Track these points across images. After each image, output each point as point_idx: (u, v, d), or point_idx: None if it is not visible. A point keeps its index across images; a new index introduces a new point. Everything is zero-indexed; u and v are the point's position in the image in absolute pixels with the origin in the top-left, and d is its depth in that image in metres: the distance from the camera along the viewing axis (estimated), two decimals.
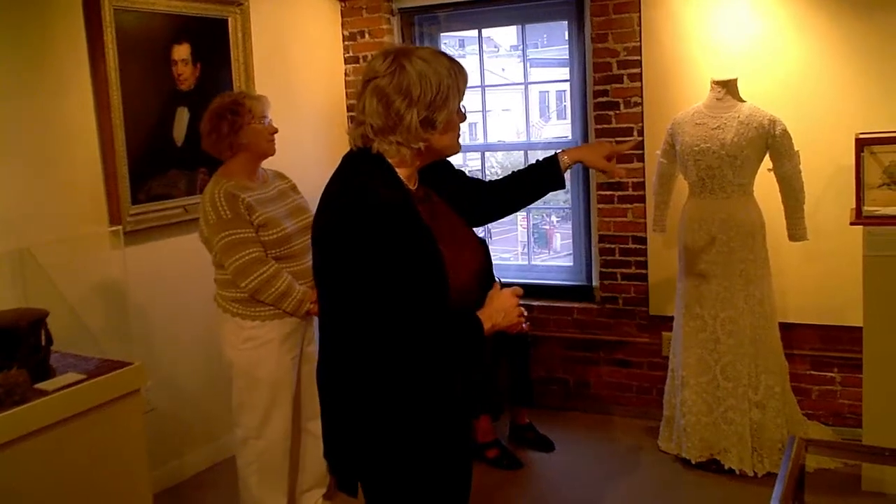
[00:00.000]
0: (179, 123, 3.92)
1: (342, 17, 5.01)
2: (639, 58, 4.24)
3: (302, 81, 4.73)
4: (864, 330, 3.49)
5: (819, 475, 3.63)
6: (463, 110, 1.96)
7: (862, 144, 3.49)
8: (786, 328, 3.94)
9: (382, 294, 1.79)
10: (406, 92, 1.84)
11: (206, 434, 4.08)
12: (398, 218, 1.81)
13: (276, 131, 3.14)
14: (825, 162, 3.84)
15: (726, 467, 3.75)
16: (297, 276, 3.09)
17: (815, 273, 3.97)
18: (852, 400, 3.97)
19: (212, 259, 3.10)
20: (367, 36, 4.95)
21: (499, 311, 1.90)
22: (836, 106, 3.85)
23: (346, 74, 5.03)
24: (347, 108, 5.02)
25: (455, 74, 1.89)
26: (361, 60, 4.95)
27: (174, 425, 3.91)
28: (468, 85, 1.96)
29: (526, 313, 1.99)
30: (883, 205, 3.49)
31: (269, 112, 3.15)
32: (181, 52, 3.93)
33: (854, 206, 3.54)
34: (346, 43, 5.02)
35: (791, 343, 4.01)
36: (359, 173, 1.89)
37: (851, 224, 3.50)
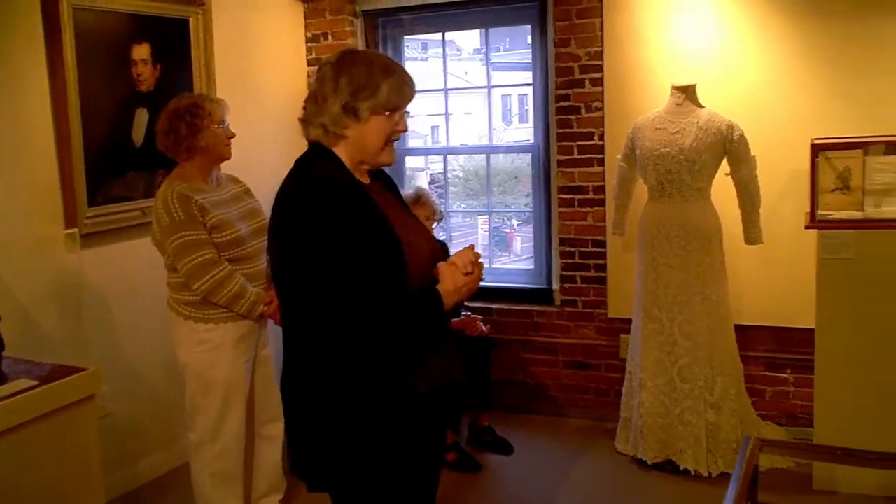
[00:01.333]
0: (138, 124, 3.86)
1: (305, 18, 4.98)
2: (600, 63, 4.28)
3: (264, 83, 4.68)
4: (817, 331, 3.55)
5: (772, 474, 3.68)
6: (404, 120, 1.98)
7: (817, 150, 3.56)
8: (741, 330, 3.99)
9: (346, 279, 1.80)
10: (335, 77, 1.92)
11: (164, 439, 4.02)
12: (356, 204, 1.86)
13: (233, 136, 3.11)
14: (781, 167, 3.90)
15: (682, 468, 3.79)
16: (251, 278, 3.06)
17: (771, 276, 4.03)
18: (805, 400, 4.03)
19: (164, 262, 3.06)
20: (330, 38, 4.92)
21: (454, 292, 1.92)
22: (793, 112, 3.92)
23: (308, 76, 5.00)
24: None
25: (393, 75, 1.93)
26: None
27: (131, 430, 3.85)
28: (414, 91, 1.98)
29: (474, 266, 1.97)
30: (836, 209, 3.56)
31: (228, 116, 3.12)
32: (141, 52, 3.87)
33: (809, 210, 3.60)
34: (308, 45, 4.99)
35: (746, 345, 4.07)
36: (312, 167, 1.94)
37: (806, 228, 3.57)
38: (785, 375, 4.15)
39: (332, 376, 1.89)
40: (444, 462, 3.92)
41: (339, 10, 4.87)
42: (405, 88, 1.97)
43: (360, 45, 4.89)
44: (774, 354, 4.15)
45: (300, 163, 1.99)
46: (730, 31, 4.01)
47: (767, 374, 4.18)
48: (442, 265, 1.95)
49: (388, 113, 1.95)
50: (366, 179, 2.02)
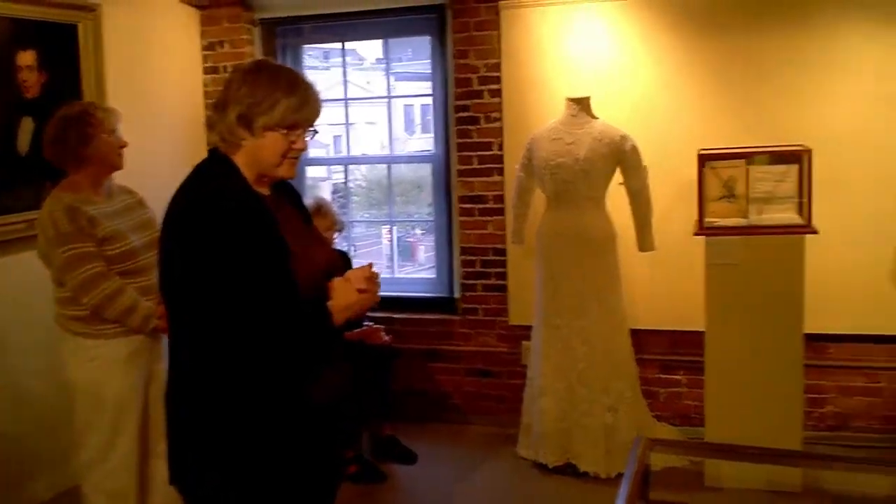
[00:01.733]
0: (24, 133, 3.71)
1: (201, 25, 4.89)
2: (498, 74, 4.36)
3: (158, 91, 4.57)
4: (706, 334, 3.70)
5: (666, 473, 3.79)
6: (303, 138, 1.95)
7: (703, 160, 3.71)
8: (636, 334, 4.13)
9: (230, 292, 1.78)
10: (239, 86, 1.91)
11: (54, 460, 3.85)
12: (245, 217, 1.83)
13: (125, 145, 3.02)
14: (671, 176, 4.06)
15: (581, 470, 3.88)
16: (143, 291, 2.97)
17: (663, 281, 4.19)
18: (697, 401, 4.19)
19: (51, 276, 2.94)
20: (226, 46, 4.84)
21: (345, 308, 1.91)
22: (682, 124, 4.10)
23: (204, 85, 4.90)
24: (206, 119, 4.88)
25: (295, 93, 1.91)
26: (221, 71, 4.84)
27: (18, 452, 3.68)
28: (316, 112, 1.96)
29: (371, 283, 1.97)
30: (722, 216, 3.72)
31: (120, 125, 3.03)
32: (26, 58, 3.72)
33: (697, 217, 3.76)
34: (204, 52, 4.90)
35: (641, 348, 4.21)
36: (206, 177, 1.92)
37: (695, 235, 3.71)
38: (678, 377, 4.31)
39: (217, 389, 1.86)
40: (344, 476, 3.92)
41: (236, 17, 4.80)
42: (306, 108, 1.93)
43: (258, 53, 4.84)
44: (668, 357, 4.31)
45: (196, 170, 1.96)
46: (623, 46, 4.16)
47: (661, 376, 4.33)
48: (336, 281, 1.94)
49: (285, 130, 1.91)
50: (265, 190, 2.00)
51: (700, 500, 3.64)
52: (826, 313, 3.95)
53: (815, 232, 3.54)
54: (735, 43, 4.01)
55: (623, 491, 2.12)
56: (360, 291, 1.92)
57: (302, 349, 1.89)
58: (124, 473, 3.06)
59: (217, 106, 1.95)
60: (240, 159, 1.94)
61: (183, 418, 1.94)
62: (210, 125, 1.97)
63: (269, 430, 1.88)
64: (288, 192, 2.13)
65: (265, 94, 1.89)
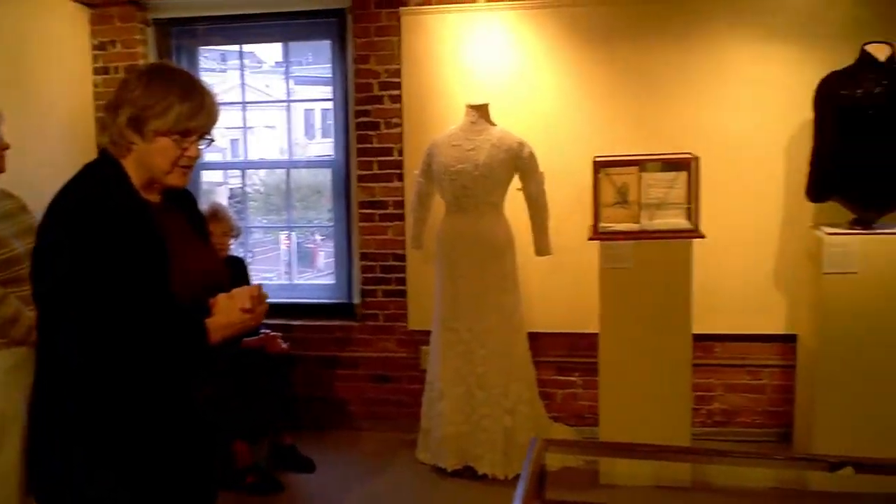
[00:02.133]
0: None
1: (91, 24, 4.71)
2: (399, 80, 4.37)
3: (44, 91, 4.37)
4: (600, 335, 3.80)
5: (563, 473, 3.86)
6: (196, 146, 1.90)
7: (598, 167, 3.82)
8: (534, 337, 4.20)
9: (97, 303, 1.74)
10: (131, 89, 1.86)
11: None
12: (120, 221, 1.79)
13: (8, 147, 2.88)
14: (567, 182, 4.16)
15: (480, 473, 3.92)
16: (27, 301, 2.83)
17: (560, 285, 4.28)
18: (592, 401, 4.30)
19: None
20: (118, 46, 4.68)
21: (225, 326, 1.88)
22: (578, 131, 4.21)
23: (95, 85, 4.72)
24: (97, 120, 4.71)
25: (189, 99, 1.86)
26: (113, 71, 4.66)
27: None
28: (212, 120, 1.92)
29: (255, 304, 1.93)
30: (616, 221, 3.84)
31: (4, 126, 2.88)
32: None
33: (592, 222, 3.86)
34: (95, 52, 4.72)
35: (538, 351, 4.28)
36: (89, 179, 1.87)
37: (590, 239, 3.81)
38: (574, 378, 4.41)
39: (84, 401, 1.81)
40: (243, 485, 3.85)
41: (128, 17, 4.65)
42: (200, 115, 1.88)
43: (152, 54, 4.70)
44: (564, 359, 4.40)
45: (82, 171, 1.90)
46: (522, 54, 4.24)
47: (558, 377, 4.43)
48: (221, 297, 1.89)
49: (177, 136, 1.86)
50: (155, 197, 1.94)
51: (595, 497, 3.73)
52: (713, 314, 4.12)
53: (702, 236, 3.70)
54: (629, 55, 4.15)
55: (519, 492, 2.14)
56: (245, 311, 1.87)
57: (170, 361, 1.84)
58: (6, 488, 2.91)
59: (109, 107, 1.89)
60: (129, 163, 1.89)
61: (44, 431, 1.87)
62: (102, 126, 1.91)
63: (143, 433, 1.84)
64: (183, 199, 2.07)
65: (159, 97, 1.84)
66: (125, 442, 1.84)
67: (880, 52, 3.57)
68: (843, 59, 3.69)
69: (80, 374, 1.81)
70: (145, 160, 1.88)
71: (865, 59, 3.60)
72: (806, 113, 3.79)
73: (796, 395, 4.13)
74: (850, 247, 3.59)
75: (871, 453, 3.46)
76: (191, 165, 1.93)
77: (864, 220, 3.67)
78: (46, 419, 1.87)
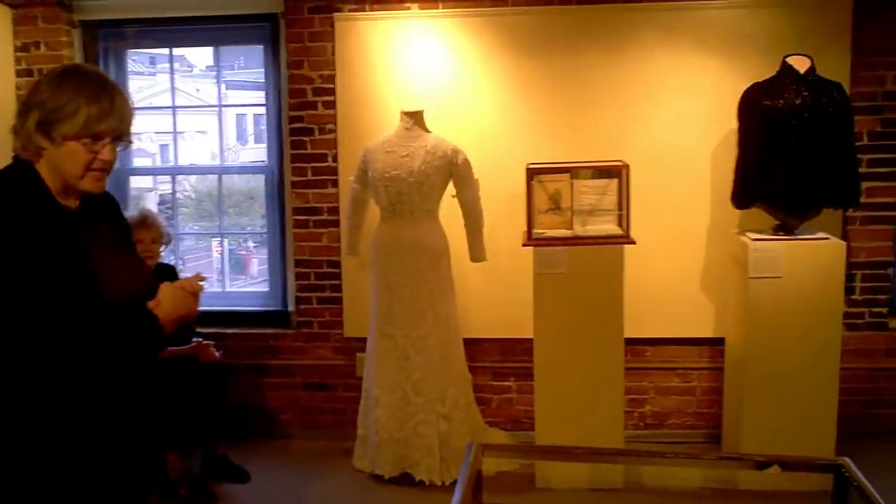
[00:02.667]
0: None
1: (14, 25, 4.57)
2: (333, 86, 4.36)
3: None
4: (535, 341, 3.85)
5: (500, 477, 3.90)
6: (108, 149, 1.87)
7: (532, 174, 3.87)
8: (469, 343, 4.23)
9: (15, 310, 1.73)
10: (41, 92, 1.83)
11: None
12: (32, 234, 1.75)
13: None
14: (501, 189, 4.20)
15: (417, 479, 3.93)
16: None
17: (495, 291, 4.32)
18: (527, 405, 4.34)
19: None
20: (42, 48, 4.55)
21: (174, 316, 1.90)
22: (511, 139, 4.26)
23: (18, 88, 4.58)
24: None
25: (99, 102, 1.83)
26: (36, 74, 4.53)
27: None
28: (124, 123, 1.89)
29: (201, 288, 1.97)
30: (549, 228, 3.90)
31: None
32: None
33: (526, 229, 3.91)
34: (18, 54, 4.57)
35: (474, 356, 4.32)
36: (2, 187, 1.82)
37: (523, 246, 3.86)
38: (509, 383, 4.46)
39: (54, 398, 1.79)
40: (175, 496, 3.78)
41: (53, 18, 4.53)
42: (111, 118, 1.84)
43: (79, 57, 4.59)
44: (500, 364, 4.45)
45: None
46: (457, 61, 4.27)
47: (494, 382, 4.47)
48: (164, 287, 1.90)
49: (87, 140, 1.82)
50: (72, 203, 1.90)
51: (530, 501, 3.78)
52: (644, 319, 4.22)
53: (633, 242, 3.78)
54: (562, 64, 4.22)
55: (457, 496, 2.16)
56: (191, 294, 1.92)
57: (130, 354, 1.85)
58: None
59: (20, 110, 1.85)
60: (42, 168, 1.85)
61: (28, 418, 1.84)
62: (15, 131, 1.87)
63: (107, 429, 1.85)
64: (104, 204, 2.03)
65: (67, 100, 1.80)
66: (93, 439, 1.83)
67: (800, 65, 3.72)
68: (766, 70, 3.84)
69: (48, 372, 1.78)
70: (56, 165, 1.84)
71: (786, 70, 3.74)
72: (731, 122, 3.92)
73: (724, 396, 4.25)
74: (774, 252, 3.72)
75: (796, 452, 3.62)
76: (106, 169, 1.89)
77: (787, 227, 3.81)
78: (14, 419, 1.83)
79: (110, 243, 1.97)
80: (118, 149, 1.90)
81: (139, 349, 1.87)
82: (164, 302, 1.87)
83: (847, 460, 2.16)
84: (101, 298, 1.81)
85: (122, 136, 1.89)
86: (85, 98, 1.81)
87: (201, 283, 1.97)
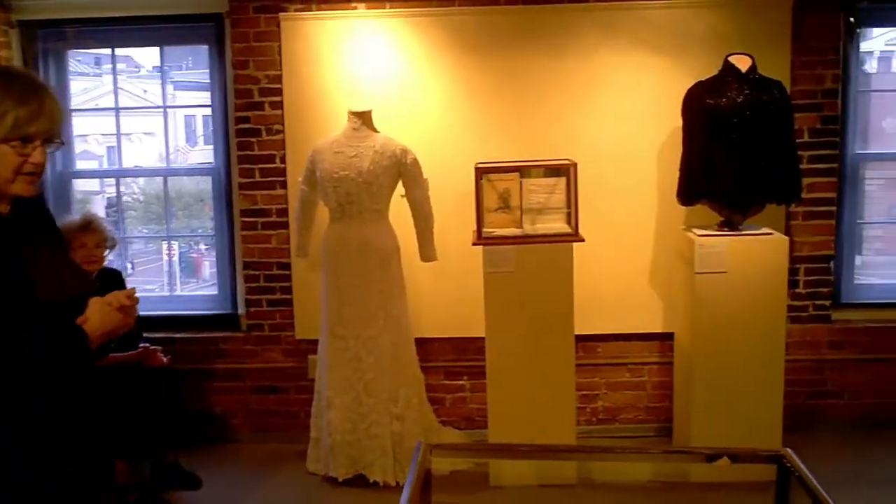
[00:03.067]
0: None
1: None
2: (280, 86, 4.31)
3: None
4: (486, 339, 3.86)
5: (454, 476, 3.92)
6: (39, 151, 1.83)
7: (480, 173, 3.87)
8: (421, 343, 4.23)
9: None
10: None
11: None
12: None
13: None
14: (451, 189, 4.20)
15: (371, 480, 3.91)
16: None
17: (446, 290, 4.32)
18: (480, 404, 4.34)
19: None
20: None
21: (103, 331, 1.86)
22: (460, 138, 4.26)
23: None
24: None
25: (28, 103, 1.79)
26: None
27: None
28: (54, 124, 1.84)
29: (132, 303, 1.93)
30: (499, 226, 3.91)
31: None
32: None
33: (475, 228, 3.91)
34: None
35: (427, 356, 4.32)
36: None
37: (473, 244, 3.86)
38: (462, 382, 4.47)
39: None
40: None
41: None
42: (41, 119, 1.80)
43: (17, 58, 4.48)
44: (452, 363, 4.45)
45: None
46: (405, 61, 4.25)
47: (447, 382, 4.47)
48: (94, 301, 1.87)
49: (16, 143, 1.78)
50: (3, 208, 1.86)
51: (483, 499, 3.78)
52: (594, 315, 4.25)
53: (581, 240, 3.80)
54: (509, 63, 4.23)
55: (404, 497, 2.15)
56: (121, 309, 1.86)
57: (55, 370, 1.80)
58: None
59: None
60: None
61: None
62: None
63: (35, 444, 1.81)
64: (34, 206, 1.98)
65: None
66: (29, 446, 1.79)
67: (742, 63, 3.78)
68: (709, 69, 3.89)
69: None
70: None
71: (728, 69, 3.79)
72: (676, 120, 3.96)
73: (674, 390, 4.30)
74: (720, 247, 3.77)
75: (745, 442, 3.68)
76: (37, 172, 1.85)
77: (732, 223, 3.86)
78: None
79: (45, 246, 1.93)
80: (49, 151, 1.85)
81: (65, 364, 1.82)
82: (92, 318, 1.84)
83: (789, 451, 2.20)
84: (34, 309, 1.76)
85: (52, 138, 1.85)
86: (13, 100, 1.77)
87: (133, 298, 1.92)
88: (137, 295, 1.95)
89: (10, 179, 1.81)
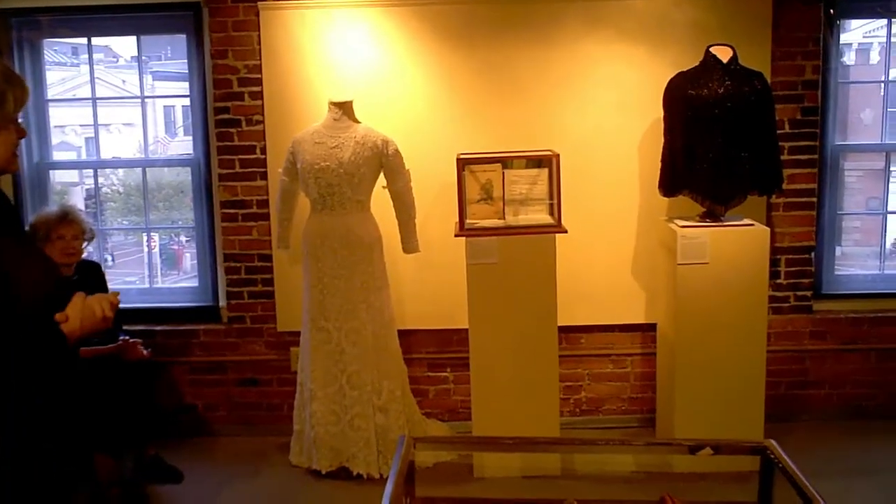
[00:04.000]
0: None
1: None
2: (259, 76, 4.27)
3: None
4: (470, 331, 3.84)
5: (438, 468, 3.91)
6: (20, 124, 1.87)
7: (463, 164, 3.85)
8: (405, 334, 4.21)
9: None
10: None
11: None
12: None
13: None
14: (433, 179, 4.17)
15: (355, 473, 3.90)
16: None
17: (429, 282, 4.30)
18: (464, 396, 4.35)
19: None
20: None
21: (82, 331, 1.84)
22: (443, 128, 4.23)
23: None
24: None
25: (14, 83, 1.81)
26: None
27: None
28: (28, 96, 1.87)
29: (113, 306, 1.91)
30: (481, 218, 3.89)
31: None
32: None
33: (458, 219, 3.89)
34: None
35: (410, 348, 4.30)
36: None
37: (456, 236, 3.84)
38: (445, 374, 4.45)
39: None
40: (105, 499, 3.68)
41: None
42: (26, 96, 1.84)
43: None
44: (435, 355, 4.44)
45: None
46: (387, 51, 4.22)
47: (430, 374, 4.46)
48: (76, 299, 1.85)
49: (12, 123, 1.82)
50: None
51: (468, 491, 3.78)
52: (577, 306, 4.25)
53: (564, 231, 3.79)
54: (492, 53, 4.20)
55: (388, 490, 2.14)
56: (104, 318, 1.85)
57: (34, 372, 1.77)
58: None
59: None
60: None
61: None
62: None
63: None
64: None
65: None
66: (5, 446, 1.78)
67: (723, 54, 3.77)
68: (690, 60, 3.88)
69: None
70: None
71: (710, 60, 3.78)
72: (657, 111, 3.95)
73: (657, 381, 4.31)
74: (702, 238, 3.77)
75: (727, 433, 3.70)
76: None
77: (714, 213, 3.86)
78: None
79: (14, 243, 1.90)
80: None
81: (43, 364, 1.79)
82: (73, 318, 1.82)
83: (772, 442, 2.20)
84: (12, 306, 1.73)
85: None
86: (5, 83, 1.79)
87: (115, 306, 1.91)
88: (118, 288, 1.94)
89: (10, 159, 1.84)
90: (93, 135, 4.78)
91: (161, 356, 4.27)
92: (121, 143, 5.91)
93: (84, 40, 4.68)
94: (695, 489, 3.63)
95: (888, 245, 4.70)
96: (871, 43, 4.98)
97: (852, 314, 4.42)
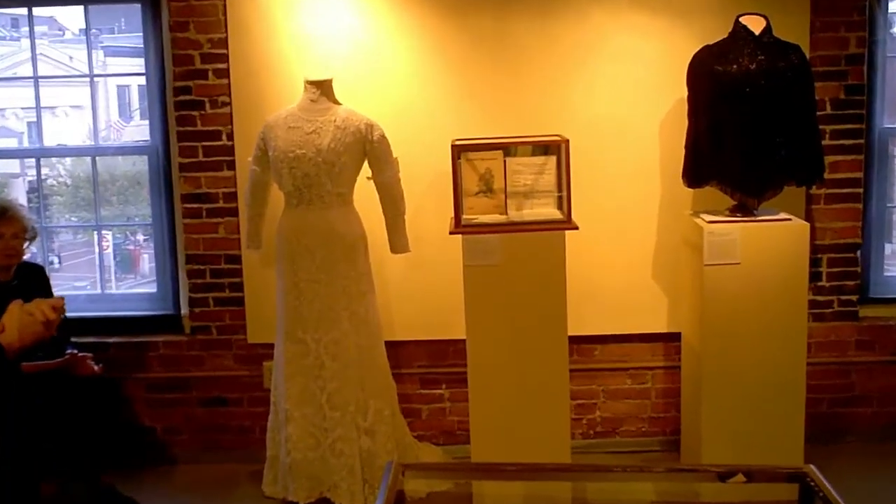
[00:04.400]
0: None
1: None
2: (225, 51, 4.28)
3: None
4: (468, 342, 3.84)
5: (432, 499, 3.89)
6: None
7: (458, 151, 3.84)
8: (393, 346, 4.22)
9: None
10: None
11: None
12: None
13: None
14: (425, 169, 4.19)
15: None
16: None
17: (421, 286, 4.31)
18: (462, 416, 4.35)
19: None
20: None
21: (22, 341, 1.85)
22: (434, 111, 4.25)
23: None
24: None
25: None
26: None
27: None
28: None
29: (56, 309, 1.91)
30: (480, 212, 3.89)
31: None
32: None
33: (453, 214, 3.89)
34: None
35: (399, 362, 4.31)
36: None
37: (451, 233, 3.84)
38: (440, 391, 4.46)
39: None
40: None
41: None
42: None
43: None
44: (429, 370, 4.45)
45: None
46: (368, 24, 4.22)
47: (422, 391, 4.47)
48: (12, 307, 1.85)
49: None
50: None
51: None
52: (590, 313, 4.27)
53: (575, 227, 3.79)
54: (490, 25, 4.21)
55: None
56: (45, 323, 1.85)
57: None
58: None
59: None
60: None
61: None
62: None
63: None
64: None
65: None
66: None
67: (755, 25, 3.77)
68: (717, 32, 3.88)
69: None
70: None
71: (740, 31, 3.78)
72: (680, 91, 3.96)
73: (682, 398, 4.32)
74: (732, 235, 3.78)
75: (762, 456, 3.69)
76: None
77: (745, 207, 3.87)
78: None
79: None
80: None
81: None
82: (10, 329, 1.84)
83: (812, 468, 2.21)
84: None
85: None
86: None
87: (60, 310, 1.91)
88: (63, 294, 1.94)
89: None
90: (35, 119, 4.78)
91: (114, 372, 4.28)
92: (68, 128, 5.91)
93: (24, 10, 4.69)
94: None
95: None
96: None
97: None
